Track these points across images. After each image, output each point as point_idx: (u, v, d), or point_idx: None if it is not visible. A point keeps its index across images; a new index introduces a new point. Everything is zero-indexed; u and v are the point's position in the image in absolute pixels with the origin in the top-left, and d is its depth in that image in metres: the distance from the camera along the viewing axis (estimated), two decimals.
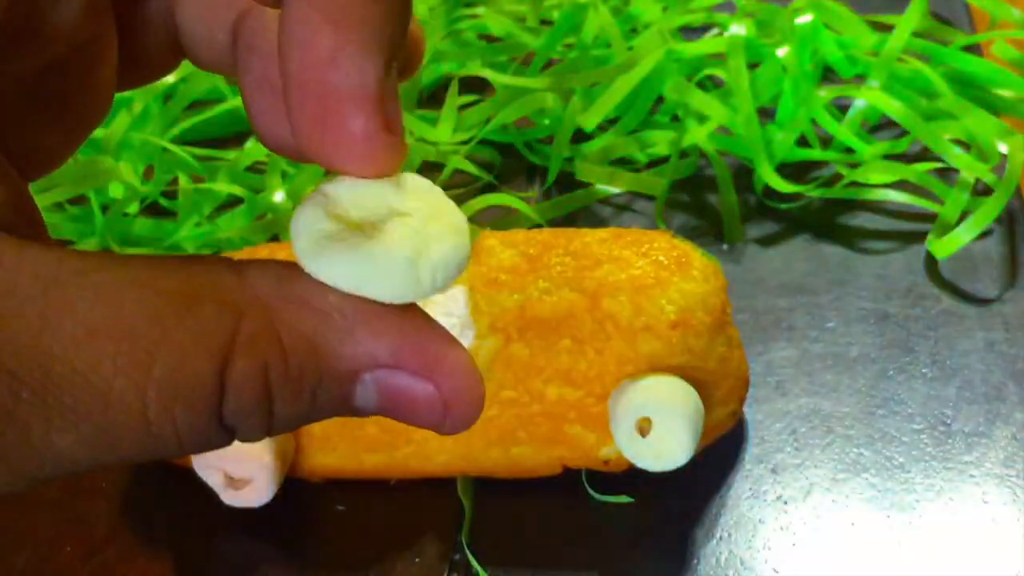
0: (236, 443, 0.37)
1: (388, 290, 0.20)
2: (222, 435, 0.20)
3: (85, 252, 0.19)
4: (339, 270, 0.20)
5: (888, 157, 0.51)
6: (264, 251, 0.39)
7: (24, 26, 0.21)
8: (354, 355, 0.20)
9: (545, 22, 0.61)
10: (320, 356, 0.20)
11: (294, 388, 0.20)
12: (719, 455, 0.38)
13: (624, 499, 0.37)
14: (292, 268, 0.20)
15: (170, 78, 0.54)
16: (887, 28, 0.55)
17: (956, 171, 0.49)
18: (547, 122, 0.54)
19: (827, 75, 0.57)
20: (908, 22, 0.53)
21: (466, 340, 0.37)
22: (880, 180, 0.50)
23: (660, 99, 0.54)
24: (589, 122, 0.51)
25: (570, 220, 0.50)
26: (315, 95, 0.19)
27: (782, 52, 0.51)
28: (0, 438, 0.18)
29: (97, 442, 0.19)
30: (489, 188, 0.52)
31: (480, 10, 0.61)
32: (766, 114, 0.53)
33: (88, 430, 0.19)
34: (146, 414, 0.19)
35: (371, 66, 0.19)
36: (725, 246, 0.48)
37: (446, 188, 0.51)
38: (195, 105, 0.55)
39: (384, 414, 0.21)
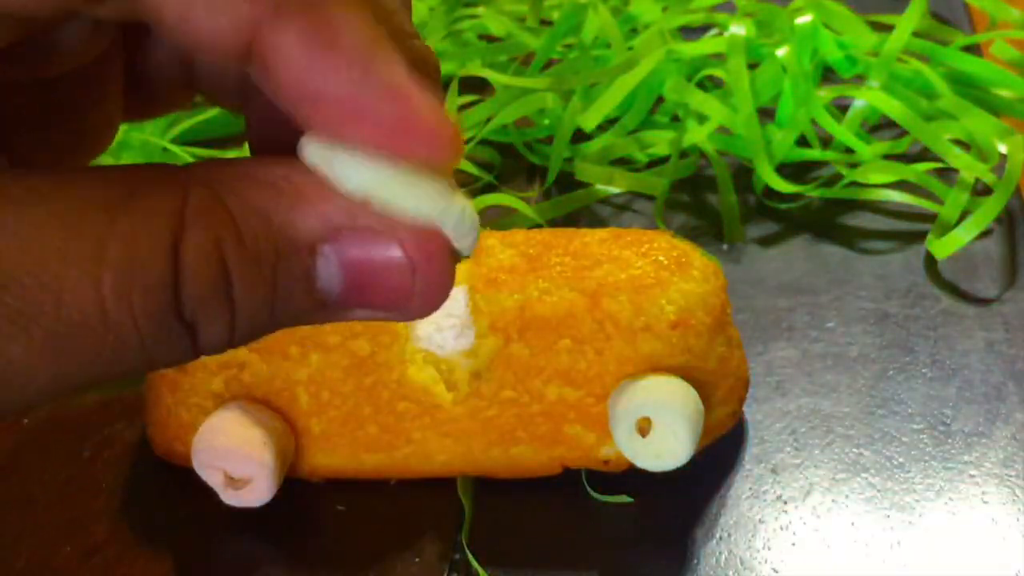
0: (236, 442, 0.37)
1: (417, 199, 0.19)
2: (183, 332, 0.18)
3: (30, 168, 0.19)
4: (363, 171, 0.18)
5: (888, 157, 0.51)
6: None
7: (25, 43, 0.20)
8: (308, 220, 0.19)
9: (545, 22, 0.61)
10: (273, 226, 0.19)
11: (251, 265, 0.18)
12: (719, 455, 0.38)
13: (624, 499, 0.37)
14: (235, 159, 0.19)
15: None
16: (887, 28, 0.55)
17: (956, 171, 0.49)
18: (547, 122, 0.54)
19: (827, 75, 0.57)
20: (908, 22, 0.53)
21: (466, 340, 0.37)
22: (880, 180, 0.50)
23: (660, 99, 0.54)
24: (589, 122, 0.51)
25: (570, 220, 0.50)
26: (364, 128, 0.18)
27: (782, 52, 0.51)
28: None
29: (52, 348, 0.18)
30: (489, 188, 0.52)
31: (480, 10, 0.61)
32: (766, 114, 0.53)
33: (40, 334, 0.18)
34: (102, 306, 0.18)
35: (396, 78, 0.18)
36: (725, 246, 0.48)
37: None
38: (195, 105, 0.55)
39: (350, 298, 0.19)
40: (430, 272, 0.19)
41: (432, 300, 0.20)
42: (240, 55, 0.18)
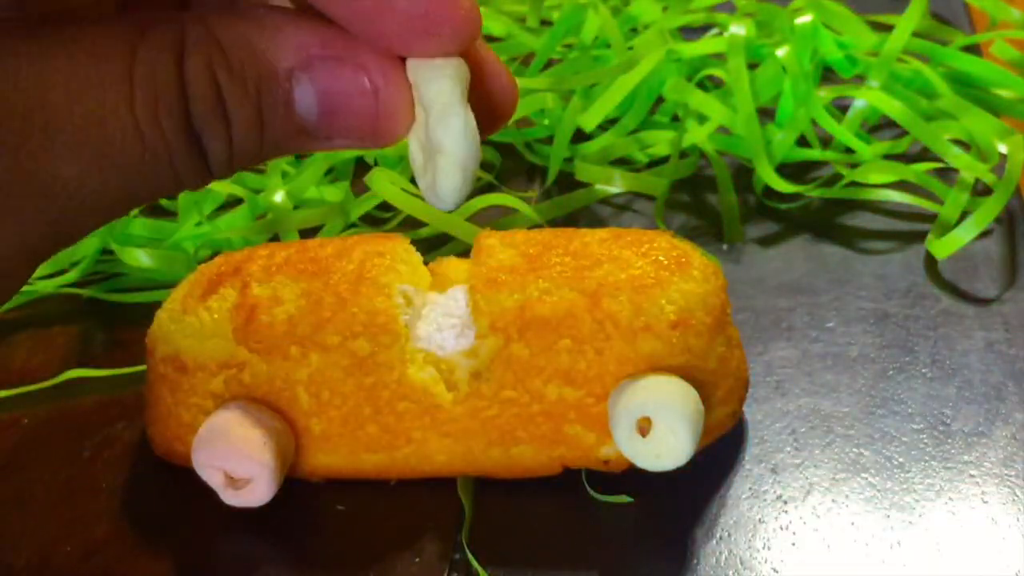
0: (236, 442, 0.37)
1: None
2: (198, 149, 0.22)
3: (48, 24, 0.21)
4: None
5: (888, 157, 0.51)
6: (264, 251, 0.39)
7: None
8: (286, 49, 0.22)
9: (545, 22, 0.61)
10: (256, 51, 0.22)
11: (239, 84, 0.21)
12: (719, 455, 0.38)
13: (624, 499, 0.37)
14: (224, 6, 0.23)
15: None
16: (887, 28, 0.55)
17: (956, 171, 0.49)
18: (547, 122, 0.54)
19: (827, 75, 0.57)
20: (908, 22, 0.53)
21: (466, 340, 0.37)
22: (880, 180, 0.50)
23: (660, 99, 0.54)
24: (589, 122, 0.51)
25: (570, 220, 0.50)
26: (390, 22, 0.22)
27: (782, 52, 0.51)
28: (12, 176, 0.20)
29: (100, 165, 0.21)
30: (489, 188, 0.52)
31: (480, 10, 0.61)
32: (766, 114, 0.53)
33: (89, 154, 0.21)
34: (136, 125, 0.21)
35: None
36: (725, 246, 0.48)
37: None
38: None
39: (325, 124, 0.22)
40: (390, 93, 0.22)
41: (395, 120, 0.23)
42: None
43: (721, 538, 0.36)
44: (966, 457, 0.38)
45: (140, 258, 0.47)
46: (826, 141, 0.52)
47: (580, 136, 0.53)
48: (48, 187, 0.21)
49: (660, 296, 0.36)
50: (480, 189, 0.51)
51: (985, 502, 0.37)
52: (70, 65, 0.21)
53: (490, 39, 0.60)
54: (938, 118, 0.51)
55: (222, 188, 0.50)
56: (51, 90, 0.20)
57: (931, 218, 0.48)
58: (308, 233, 0.48)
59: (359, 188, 0.51)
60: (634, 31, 0.59)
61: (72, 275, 0.47)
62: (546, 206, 0.50)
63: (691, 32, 0.59)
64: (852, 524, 0.36)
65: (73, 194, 0.21)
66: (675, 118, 0.54)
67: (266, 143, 0.22)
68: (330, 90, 0.22)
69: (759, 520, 0.36)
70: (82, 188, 0.21)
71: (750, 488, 0.37)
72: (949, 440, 0.39)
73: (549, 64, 0.57)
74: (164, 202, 0.51)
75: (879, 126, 0.54)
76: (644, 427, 0.35)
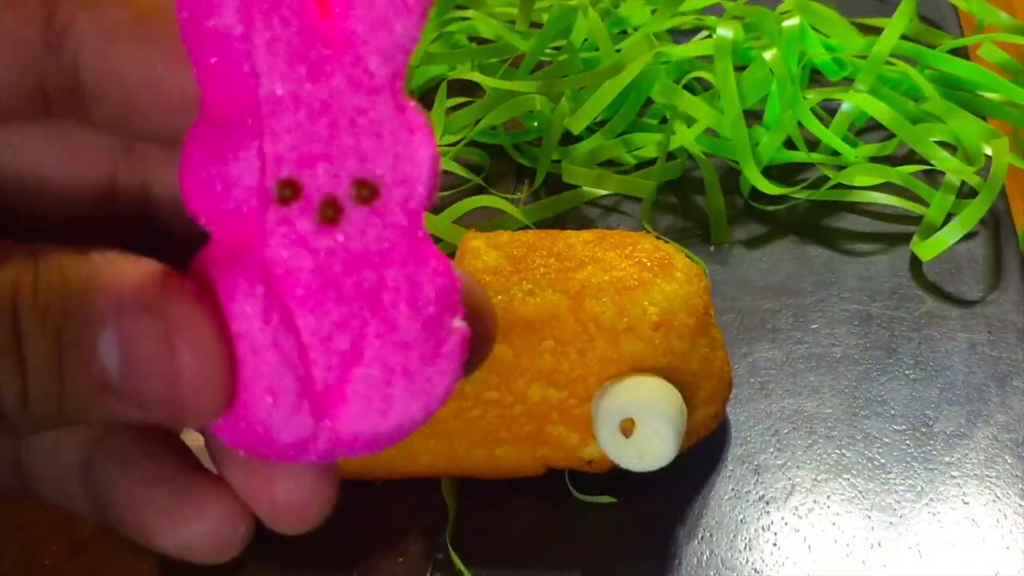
0: None
1: None
2: None
3: None
4: None
5: (875, 159, 0.51)
6: None
7: None
8: (102, 284, 0.18)
9: (535, 25, 0.61)
10: (68, 284, 0.18)
11: (40, 318, 0.17)
12: (702, 456, 0.39)
13: (606, 499, 0.37)
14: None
15: None
16: (875, 31, 0.56)
17: (942, 173, 0.50)
18: (536, 124, 0.54)
19: (815, 77, 0.57)
20: (896, 25, 0.53)
21: None
22: (866, 182, 0.50)
23: (649, 101, 0.54)
24: (577, 124, 0.51)
25: (558, 222, 0.50)
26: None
27: (769, 55, 0.52)
28: None
29: None
30: (477, 190, 0.52)
31: (470, 12, 0.61)
32: (755, 116, 0.53)
33: None
34: None
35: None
36: (712, 247, 0.49)
37: None
38: None
39: (125, 386, 0.18)
40: (196, 359, 0.18)
41: (200, 393, 0.18)
42: None
43: (703, 538, 0.36)
44: (947, 458, 0.38)
45: None
46: (814, 143, 0.53)
47: (569, 138, 0.53)
48: None
49: (643, 298, 0.36)
50: (467, 191, 0.52)
51: (966, 503, 0.37)
52: None
53: (480, 41, 0.60)
54: (925, 121, 0.51)
55: None
56: None
57: (916, 220, 0.48)
58: None
59: None
60: (624, 33, 0.59)
61: None
62: (533, 208, 0.50)
63: (681, 35, 0.59)
64: (833, 524, 0.36)
65: None
66: (663, 120, 0.54)
67: (67, 395, 0.18)
68: (131, 348, 0.17)
69: (741, 520, 0.37)
70: None
71: (732, 489, 0.38)
72: (931, 441, 0.39)
73: (539, 67, 0.57)
74: None
75: (866, 128, 0.54)
76: (627, 428, 0.35)
